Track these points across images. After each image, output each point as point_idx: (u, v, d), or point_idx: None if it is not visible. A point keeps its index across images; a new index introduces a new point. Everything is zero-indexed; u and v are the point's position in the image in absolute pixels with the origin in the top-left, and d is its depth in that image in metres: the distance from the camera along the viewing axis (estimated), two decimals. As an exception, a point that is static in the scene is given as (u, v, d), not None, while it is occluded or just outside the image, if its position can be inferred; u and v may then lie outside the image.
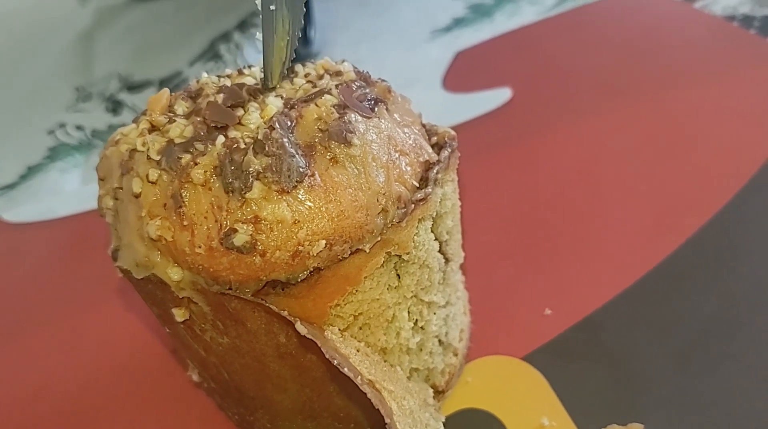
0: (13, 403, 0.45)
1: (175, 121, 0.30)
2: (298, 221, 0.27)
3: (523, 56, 0.68)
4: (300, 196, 0.27)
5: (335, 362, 0.27)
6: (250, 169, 0.27)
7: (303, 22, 0.32)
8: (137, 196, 0.29)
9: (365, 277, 0.29)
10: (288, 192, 0.27)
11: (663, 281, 0.43)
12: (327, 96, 0.30)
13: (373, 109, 0.31)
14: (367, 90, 0.32)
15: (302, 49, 0.74)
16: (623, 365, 0.38)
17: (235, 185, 0.27)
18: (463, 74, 0.68)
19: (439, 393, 0.37)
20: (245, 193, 0.27)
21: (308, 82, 0.32)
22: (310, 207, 0.27)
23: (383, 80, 0.34)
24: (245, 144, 0.28)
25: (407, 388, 0.31)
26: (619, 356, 0.39)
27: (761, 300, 0.40)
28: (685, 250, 0.44)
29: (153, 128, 0.31)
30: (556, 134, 0.57)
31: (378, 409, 0.27)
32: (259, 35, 0.31)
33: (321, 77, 0.33)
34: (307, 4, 0.75)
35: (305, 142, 0.28)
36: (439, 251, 0.33)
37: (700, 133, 0.53)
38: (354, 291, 0.29)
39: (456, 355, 0.39)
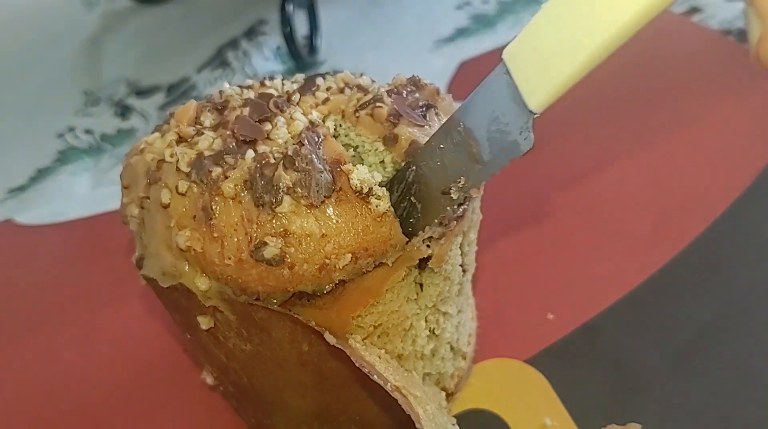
0: (23, 404, 0.45)
1: (203, 133, 0.31)
2: (326, 235, 0.28)
3: (525, 66, 0.69)
4: (328, 211, 0.28)
5: (365, 370, 0.27)
6: (281, 184, 0.27)
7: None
8: (166, 206, 0.29)
9: (387, 290, 0.30)
10: (316, 206, 0.28)
11: (662, 287, 0.44)
12: (379, 104, 0.31)
13: (424, 116, 0.31)
14: (417, 95, 0.32)
15: (308, 57, 0.75)
16: (622, 368, 0.40)
17: (266, 199, 0.27)
18: (467, 84, 0.68)
19: (448, 395, 0.38)
20: (275, 207, 0.27)
21: (330, 95, 0.33)
22: (337, 221, 0.28)
23: (431, 83, 0.34)
24: (275, 159, 0.28)
25: (425, 393, 0.32)
26: (619, 359, 0.40)
27: (757, 306, 0.42)
28: (684, 257, 0.45)
29: (180, 139, 0.31)
30: (556, 142, 0.58)
31: (404, 414, 0.28)
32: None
33: (342, 90, 0.33)
34: (313, 11, 0.76)
35: (332, 158, 0.29)
36: (460, 264, 0.34)
37: (697, 144, 0.55)
38: (375, 303, 0.30)
39: (464, 358, 0.40)
